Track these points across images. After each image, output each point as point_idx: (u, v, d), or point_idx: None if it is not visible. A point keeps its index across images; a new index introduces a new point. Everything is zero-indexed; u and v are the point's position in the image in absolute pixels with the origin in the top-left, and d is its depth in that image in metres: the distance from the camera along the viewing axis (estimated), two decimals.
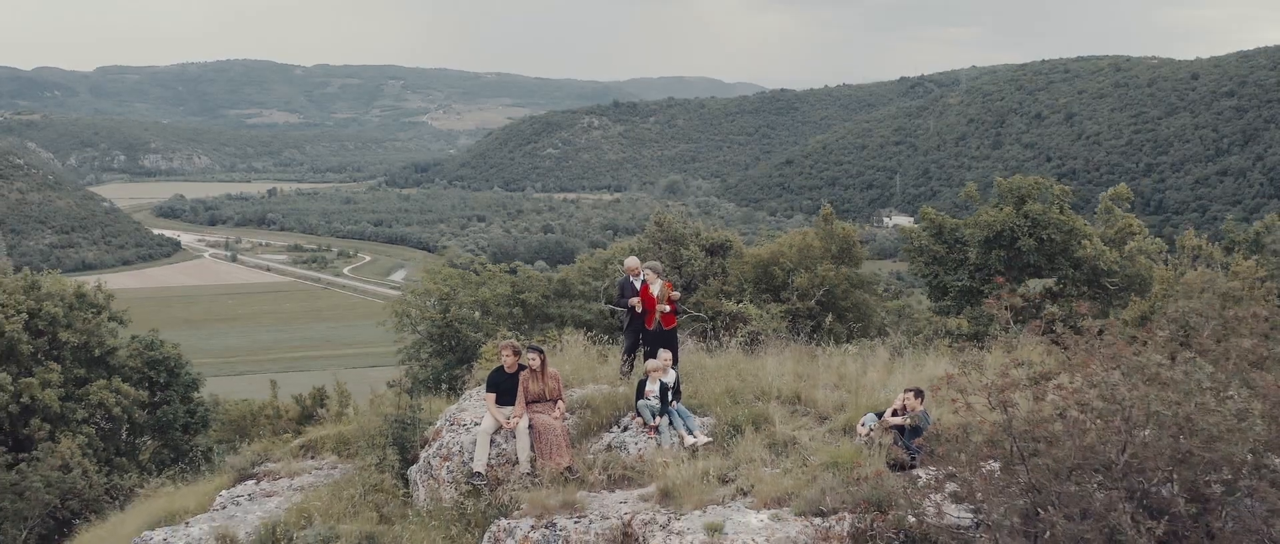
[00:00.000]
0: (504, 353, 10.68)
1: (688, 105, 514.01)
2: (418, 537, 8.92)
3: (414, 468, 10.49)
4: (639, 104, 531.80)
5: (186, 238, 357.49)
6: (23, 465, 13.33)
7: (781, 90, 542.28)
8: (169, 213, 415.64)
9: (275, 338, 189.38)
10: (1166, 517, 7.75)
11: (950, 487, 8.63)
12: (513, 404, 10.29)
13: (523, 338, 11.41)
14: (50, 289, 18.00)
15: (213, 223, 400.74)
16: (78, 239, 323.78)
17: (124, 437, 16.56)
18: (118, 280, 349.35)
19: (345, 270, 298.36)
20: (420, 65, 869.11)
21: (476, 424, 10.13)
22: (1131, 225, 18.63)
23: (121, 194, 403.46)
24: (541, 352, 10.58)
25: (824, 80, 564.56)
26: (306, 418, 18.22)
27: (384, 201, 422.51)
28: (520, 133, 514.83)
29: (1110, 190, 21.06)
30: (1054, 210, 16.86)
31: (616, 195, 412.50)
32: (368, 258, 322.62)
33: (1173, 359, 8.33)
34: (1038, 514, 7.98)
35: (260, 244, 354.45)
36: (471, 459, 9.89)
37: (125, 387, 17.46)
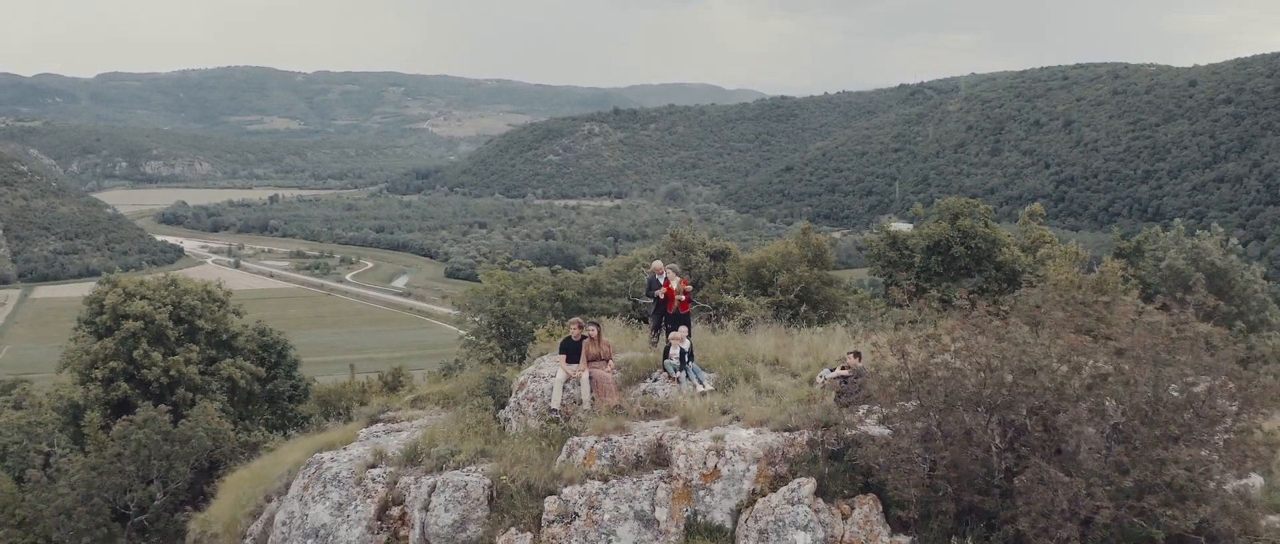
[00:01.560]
0: (572, 327, 15.01)
1: (688, 112, 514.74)
2: (518, 450, 13.40)
3: (505, 409, 14.99)
4: (639, 111, 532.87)
5: (189, 244, 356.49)
6: (185, 421, 17.53)
7: (782, 97, 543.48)
8: (171, 219, 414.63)
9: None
10: (1020, 435, 12.29)
11: (874, 414, 13.18)
12: (578, 362, 14.78)
13: (588, 317, 15.68)
14: (186, 287, 22.32)
15: (215, 229, 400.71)
16: (82, 245, 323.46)
17: (246, 403, 20.77)
18: None
19: (348, 276, 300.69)
20: (421, 72, 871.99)
21: (552, 377, 14.67)
22: (1044, 235, 22.88)
23: (124, 200, 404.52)
24: (598, 325, 15.11)
25: (824, 87, 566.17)
26: (390, 390, 22.61)
27: (386, 208, 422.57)
28: (521, 140, 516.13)
29: (1028, 208, 25.28)
30: (980, 224, 21.13)
31: (617, 202, 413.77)
32: (370, 264, 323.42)
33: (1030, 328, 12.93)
34: (930, 432, 12.55)
35: (263, 250, 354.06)
36: (550, 400, 14.43)
37: (246, 364, 21.78)
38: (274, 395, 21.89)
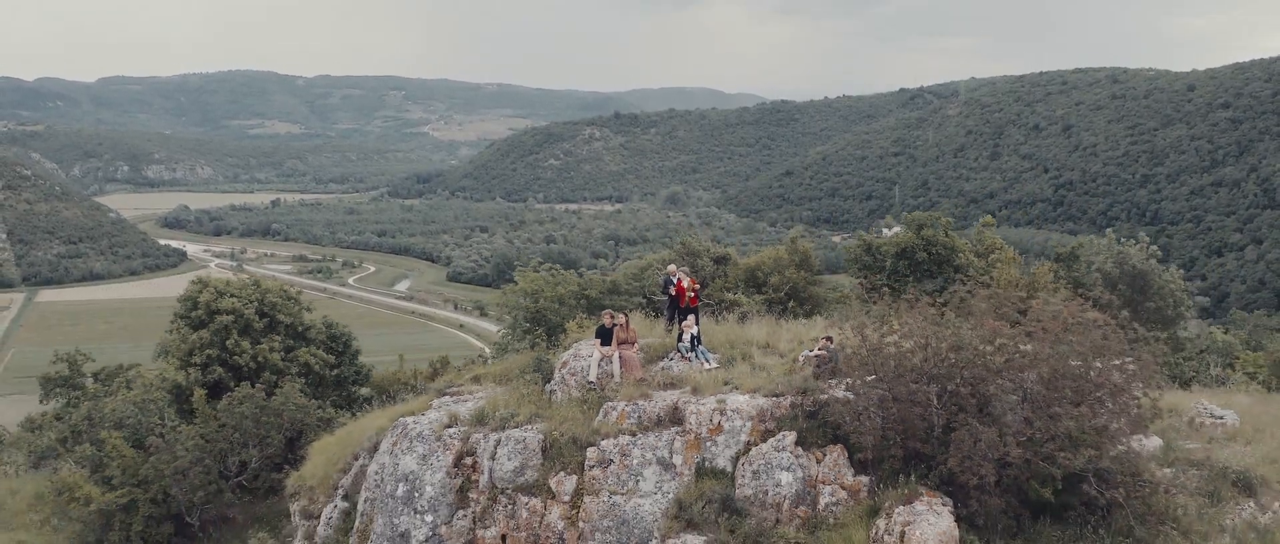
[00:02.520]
0: (605, 317, 18.58)
1: (688, 117, 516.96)
2: (563, 413, 16.93)
3: (551, 382, 18.54)
4: (640, 115, 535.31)
5: (192, 248, 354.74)
6: (274, 398, 20.97)
7: (782, 101, 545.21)
8: (174, 223, 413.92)
9: None
10: (954, 399, 15.86)
11: (842, 383, 16.78)
12: (610, 345, 18.22)
13: (616, 310, 19.14)
14: (267, 286, 25.88)
15: (218, 233, 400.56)
16: (86, 249, 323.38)
17: (318, 386, 24.18)
18: (126, 290, 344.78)
19: (350, 280, 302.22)
20: (421, 76, 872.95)
21: (588, 357, 18.19)
22: (995, 242, 26.40)
23: (126, 205, 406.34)
24: (626, 316, 18.73)
25: (825, 90, 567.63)
26: (435, 375, 26.21)
27: (387, 212, 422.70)
28: (522, 144, 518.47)
29: (981, 220, 28.65)
30: (941, 234, 24.56)
31: (618, 206, 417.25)
32: (372, 268, 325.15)
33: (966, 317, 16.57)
34: (883, 396, 16.14)
35: (265, 254, 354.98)
36: (588, 374, 17.92)
37: (319, 352, 25.29)
38: (340, 379, 25.42)
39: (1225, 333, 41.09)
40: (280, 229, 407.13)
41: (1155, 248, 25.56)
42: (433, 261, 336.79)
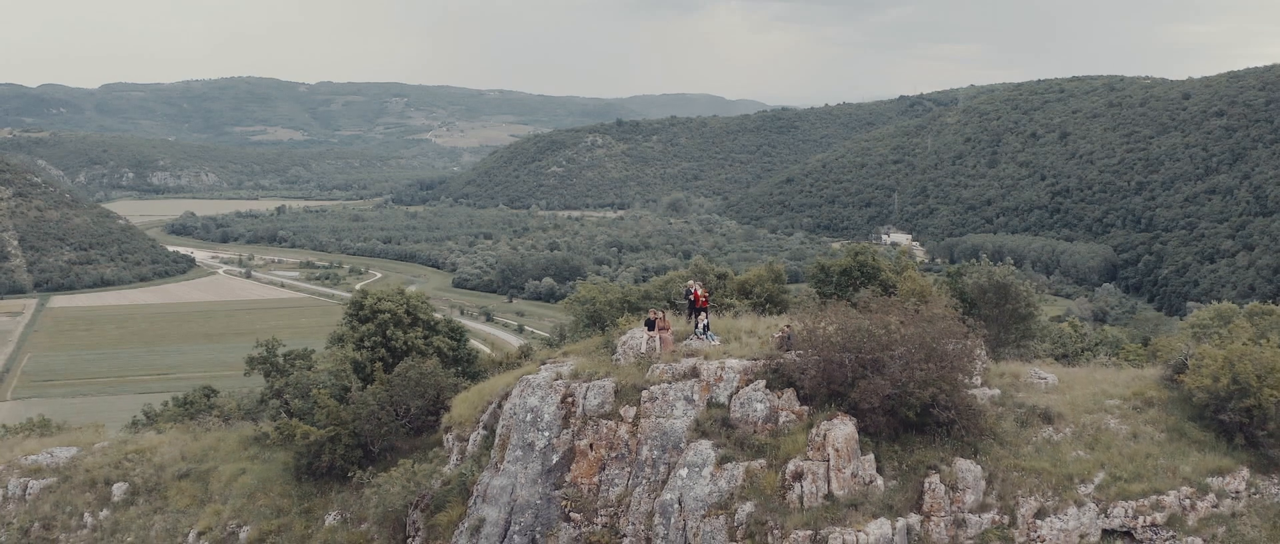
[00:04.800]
0: (651, 313, 29.64)
1: (690, 124, 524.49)
2: (626, 371, 27.85)
3: (615, 353, 29.48)
4: (642, 123, 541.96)
5: (200, 255, 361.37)
6: (426, 365, 31.81)
7: (783, 109, 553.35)
8: (181, 230, 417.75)
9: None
10: (861, 361, 27.03)
11: (795, 352, 27.95)
12: (653, 330, 29.12)
13: (656, 309, 29.99)
14: (409, 294, 36.88)
15: (224, 240, 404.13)
16: (96, 256, 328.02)
17: (445, 363, 34.82)
18: (137, 296, 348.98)
19: (357, 286, 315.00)
20: (423, 82, 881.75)
21: (639, 337, 29.12)
22: (907, 263, 37.09)
23: (132, 211, 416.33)
24: (663, 312, 29.84)
25: (825, 97, 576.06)
26: (524, 356, 37.14)
27: (392, 219, 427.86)
28: (524, 151, 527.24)
29: (900, 248, 38.91)
30: (869, 258, 35.26)
31: (620, 213, 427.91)
32: (379, 274, 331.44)
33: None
34: (819, 360, 27.34)
35: (272, 261, 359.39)
36: (640, 348, 28.83)
37: (445, 339, 36.11)
38: (458, 358, 36.13)
39: (1111, 327, 52.18)
40: (286, 236, 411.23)
41: (1014, 267, 36.41)
42: (438, 268, 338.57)
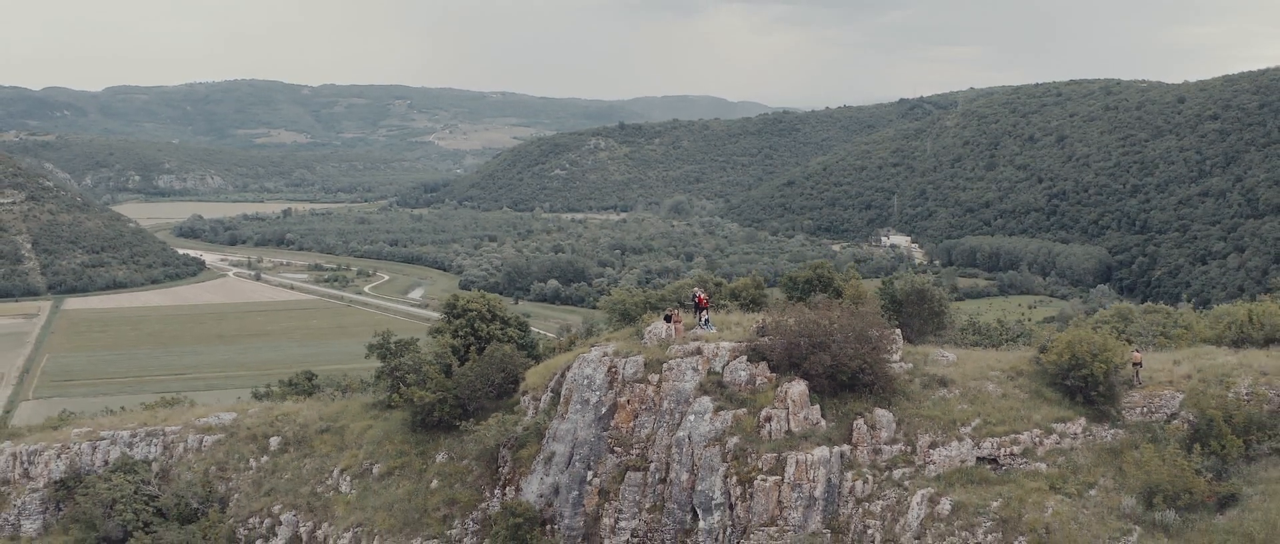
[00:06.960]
0: (669, 309, 42.58)
1: (692, 127, 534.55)
2: (652, 349, 41.00)
3: (644, 338, 42.62)
4: (644, 126, 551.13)
5: (209, 257, 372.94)
6: (506, 349, 44.74)
7: (784, 112, 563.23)
8: (189, 233, 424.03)
9: (309, 352, 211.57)
10: (813, 343, 40.42)
11: (768, 337, 41.30)
12: (671, 322, 42.10)
13: (674, 308, 43.34)
14: (488, 296, 50.14)
15: (233, 242, 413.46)
16: (108, 258, 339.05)
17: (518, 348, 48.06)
18: (150, 298, 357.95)
19: (366, 288, 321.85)
20: (426, 85, 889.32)
21: (660, 327, 42.08)
22: (854, 273, 50.18)
23: (139, 214, 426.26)
24: (678, 310, 43.01)
25: (826, 99, 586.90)
26: (570, 346, 50.47)
27: (397, 221, 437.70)
28: (528, 154, 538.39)
29: (849, 264, 51.67)
30: (825, 271, 48.33)
31: (623, 215, 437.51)
32: (386, 277, 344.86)
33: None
34: (784, 343, 40.76)
35: (281, 263, 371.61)
36: (660, 335, 41.75)
37: (515, 330, 49.12)
38: (524, 344, 49.25)
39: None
40: (294, 238, 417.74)
41: (933, 278, 49.01)
42: (444, 270, 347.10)
